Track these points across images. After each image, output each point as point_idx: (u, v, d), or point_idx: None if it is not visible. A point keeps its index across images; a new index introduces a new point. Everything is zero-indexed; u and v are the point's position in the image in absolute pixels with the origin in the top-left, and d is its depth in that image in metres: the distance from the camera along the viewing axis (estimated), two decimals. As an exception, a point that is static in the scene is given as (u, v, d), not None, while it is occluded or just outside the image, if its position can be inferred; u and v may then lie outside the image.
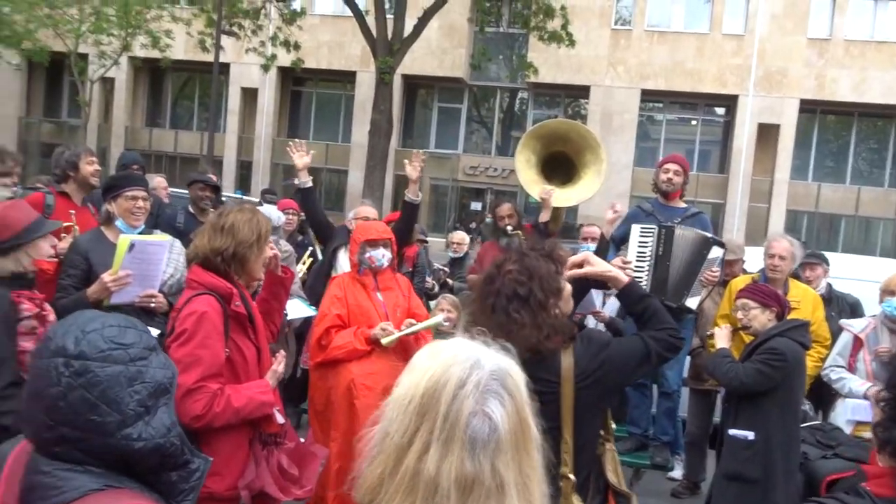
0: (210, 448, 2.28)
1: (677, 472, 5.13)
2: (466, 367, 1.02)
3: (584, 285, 2.63)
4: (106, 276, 3.10)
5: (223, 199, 7.63)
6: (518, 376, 1.05)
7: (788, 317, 4.12)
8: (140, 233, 3.52)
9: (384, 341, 3.50)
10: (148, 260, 3.23)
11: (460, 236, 7.63)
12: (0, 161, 4.68)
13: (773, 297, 3.56)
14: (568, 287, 2.21)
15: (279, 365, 2.61)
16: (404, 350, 3.63)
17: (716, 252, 4.35)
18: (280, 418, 2.58)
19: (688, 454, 5.10)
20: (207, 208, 5.40)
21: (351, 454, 3.43)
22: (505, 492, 0.98)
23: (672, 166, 4.61)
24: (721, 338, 3.68)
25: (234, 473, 2.41)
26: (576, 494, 2.09)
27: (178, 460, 1.28)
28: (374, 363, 3.52)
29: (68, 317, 1.29)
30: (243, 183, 27.21)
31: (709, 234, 4.40)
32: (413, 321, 3.61)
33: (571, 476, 2.08)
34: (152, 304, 3.25)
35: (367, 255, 3.70)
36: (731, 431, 3.44)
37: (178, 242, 3.62)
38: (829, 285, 5.19)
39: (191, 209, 5.39)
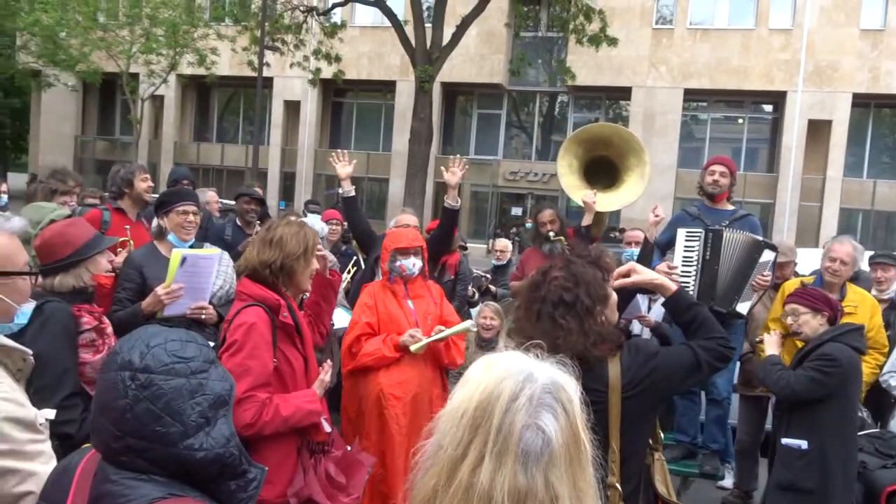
0: (260, 456, 2.33)
1: (728, 481, 5.01)
2: (519, 380, 1.02)
3: (629, 292, 2.62)
4: (159, 290, 3.21)
5: (268, 210, 7.79)
6: (572, 390, 1.05)
7: (842, 321, 4.00)
8: (190, 246, 3.65)
9: (413, 348, 3.51)
10: (199, 273, 3.34)
11: (503, 244, 7.61)
12: (62, 181, 4.92)
13: (823, 301, 3.45)
14: (614, 295, 2.21)
15: (326, 374, 2.67)
16: (434, 357, 3.64)
17: (767, 255, 4.24)
18: (327, 427, 2.62)
19: (738, 462, 4.98)
20: (253, 221, 5.53)
21: (382, 463, 3.45)
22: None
23: (718, 168, 4.51)
24: (771, 344, 3.58)
25: (284, 481, 2.46)
26: None
27: (236, 470, 1.33)
28: (404, 371, 3.55)
29: (134, 332, 1.34)
30: (287, 194, 27.73)
31: (760, 238, 4.29)
32: (442, 328, 3.60)
33: (619, 486, 2.06)
34: (203, 316, 3.34)
35: (398, 263, 3.71)
36: (785, 441, 3.34)
37: (226, 255, 3.73)
38: None
39: (238, 222, 5.53)
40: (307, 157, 27.92)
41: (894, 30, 22.83)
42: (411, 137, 16.89)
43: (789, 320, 3.49)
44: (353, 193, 4.77)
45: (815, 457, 3.22)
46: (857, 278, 5.55)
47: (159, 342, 1.29)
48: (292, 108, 28.15)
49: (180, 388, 1.25)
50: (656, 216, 4.58)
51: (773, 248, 4.36)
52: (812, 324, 3.40)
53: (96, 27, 22.66)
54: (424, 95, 16.61)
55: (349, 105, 29.62)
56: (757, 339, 3.91)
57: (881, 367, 4.20)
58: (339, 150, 5.14)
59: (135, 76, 24.78)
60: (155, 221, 3.69)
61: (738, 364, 4.68)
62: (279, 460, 2.46)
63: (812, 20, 23.15)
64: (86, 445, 1.37)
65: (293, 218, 4.36)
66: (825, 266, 4.41)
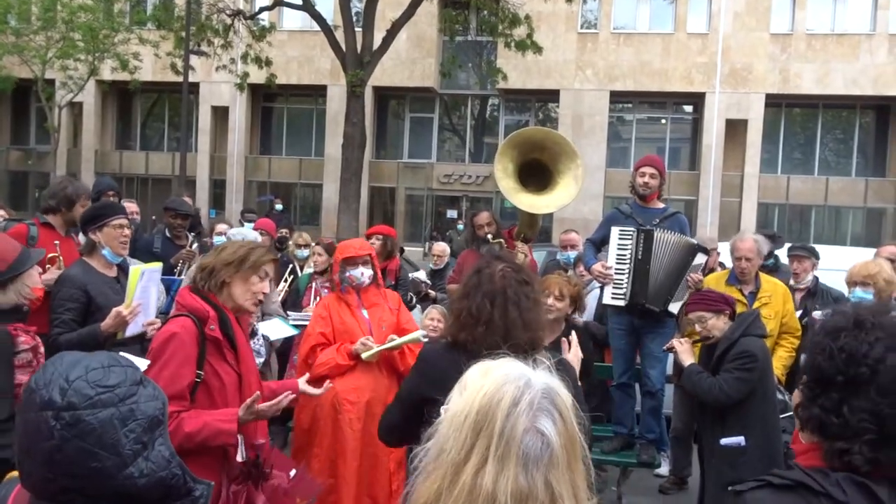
0: None
1: (664, 469, 5.21)
2: (520, 385, 1.07)
3: None
4: (122, 310, 3.11)
5: (199, 219, 7.61)
6: (566, 395, 1.10)
7: (760, 309, 4.23)
8: (122, 262, 3.57)
9: (364, 356, 3.53)
10: (148, 288, 3.30)
11: (441, 248, 7.68)
12: None
13: (720, 301, 3.62)
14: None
15: (257, 400, 2.38)
16: (389, 365, 3.66)
17: (700, 258, 4.48)
18: (242, 453, 2.40)
19: (673, 450, 5.19)
20: (182, 234, 5.44)
21: (332, 471, 3.45)
22: None
23: (648, 169, 4.66)
24: (685, 353, 3.66)
25: None
26: None
27: (181, 490, 1.28)
28: (359, 378, 3.56)
29: (47, 364, 1.26)
30: (217, 201, 27.05)
31: (694, 241, 4.49)
32: (395, 336, 3.63)
33: None
34: (150, 332, 3.24)
35: (347, 273, 3.72)
36: (724, 441, 3.43)
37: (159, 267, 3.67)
38: (816, 278, 5.30)
39: (167, 234, 5.42)
40: (237, 164, 27.30)
41: (801, 34, 24.17)
42: (344, 142, 16.79)
43: (698, 328, 3.63)
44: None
45: (752, 450, 3.38)
46: (777, 269, 5.90)
47: (79, 374, 1.21)
48: (220, 113, 27.48)
49: (110, 419, 1.19)
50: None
51: (705, 250, 4.60)
52: (719, 325, 3.56)
53: (8, 30, 21.55)
54: (356, 100, 16.54)
55: (279, 110, 29.14)
56: (664, 348, 4.00)
57: (796, 350, 4.49)
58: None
59: (51, 82, 23.68)
60: (86, 237, 3.57)
61: (670, 356, 4.88)
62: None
63: (727, 25, 24.24)
64: (12, 475, 1.31)
65: (219, 228, 4.30)
66: (735, 265, 4.68)
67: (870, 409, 1.13)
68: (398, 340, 3.59)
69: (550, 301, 4.07)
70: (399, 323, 3.78)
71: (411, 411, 2.19)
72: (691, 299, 3.75)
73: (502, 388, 1.07)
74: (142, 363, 2.38)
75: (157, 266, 3.48)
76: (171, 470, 1.25)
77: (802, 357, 4.48)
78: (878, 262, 4.62)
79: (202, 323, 2.41)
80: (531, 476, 1.02)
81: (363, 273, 3.73)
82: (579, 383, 2.43)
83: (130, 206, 6.04)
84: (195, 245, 5.41)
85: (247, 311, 2.64)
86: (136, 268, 3.21)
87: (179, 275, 4.91)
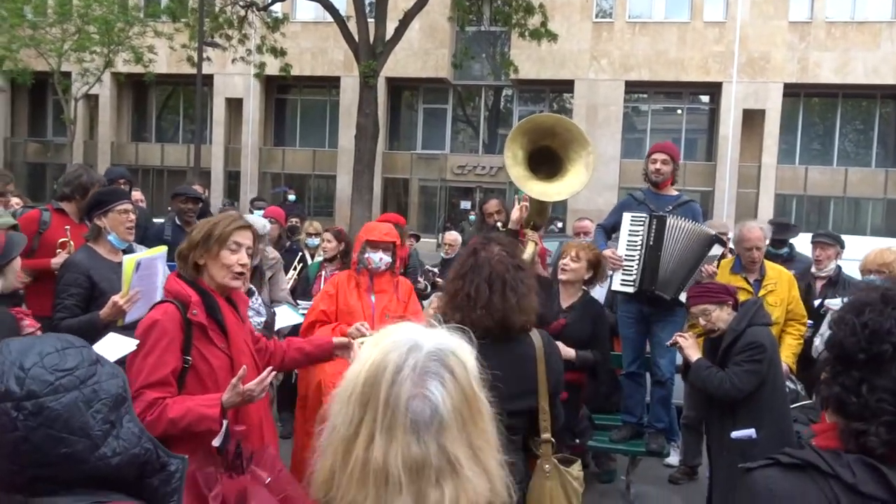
0: None
1: (673, 459, 5.17)
2: (403, 350, 1.03)
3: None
4: (118, 299, 3.11)
5: (209, 208, 7.64)
6: (463, 354, 1.06)
7: (765, 297, 4.16)
8: (128, 248, 3.58)
9: (356, 342, 3.51)
10: (150, 275, 3.29)
11: (452, 237, 7.65)
12: None
13: (722, 292, 3.56)
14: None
15: (241, 379, 2.26)
16: None
17: (716, 249, 4.42)
18: (219, 439, 2.28)
19: (685, 438, 5.14)
20: (192, 220, 5.43)
21: None
22: (456, 468, 0.99)
23: (659, 156, 4.60)
24: (691, 348, 3.61)
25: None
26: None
27: (155, 465, 1.27)
28: (346, 364, 3.53)
29: None
30: (232, 193, 27.20)
31: (713, 232, 4.43)
32: None
33: (552, 439, 2.37)
34: None
35: (367, 255, 3.73)
36: (734, 434, 3.37)
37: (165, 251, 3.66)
38: (839, 268, 5.22)
39: (177, 221, 5.42)
40: (251, 155, 27.42)
41: (821, 22, 23.79)
42: (357, 133, 16.77)
43: (702, 321, 3.57)
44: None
45: (764, 442, 3.32)
46: (792, 259, 5.82)
47: (34, 361, 1.17)
48: (234, 105, 27.60)
49: (75, 402, 1.16)
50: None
51: (722, 241, 4.54)
52: (723, 316, 3.50)
53: (25, 23, 21.72)
54: (369, 91, 16.51)
55: (293, 102, 29.21)
56: (668, 343, 3.93)
57: (804, 337, 4.44)
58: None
59: (67, 75, 23.87)
60: (91, 223, 3.57)
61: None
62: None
63: (744, 13, 23.91)
64: None
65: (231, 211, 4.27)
66: (745, 255, 4.60)
67: (891, 388, 1.09)
68: None
69: (566, 260, 4.13)
70: (405, 314, 3.76)
71: None
72: (692, 292, 3.68)
73: (387, 356, 1.03)
74: (130, 343, 2.38)
75: (159, 252, 3.44)
76: (143, 445, 1.24)
77: (816, 342, 4.42)
78: (893, 249, 4.53)
79: (185, 308, 2.37)
80: (423, 443, 0.99)
81: (381, 258, 3.74)
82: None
83: (136, 194, 6.07)
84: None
85: (231, 288, 2.54)
86: (130, 258, 3.18)
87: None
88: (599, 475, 5.17)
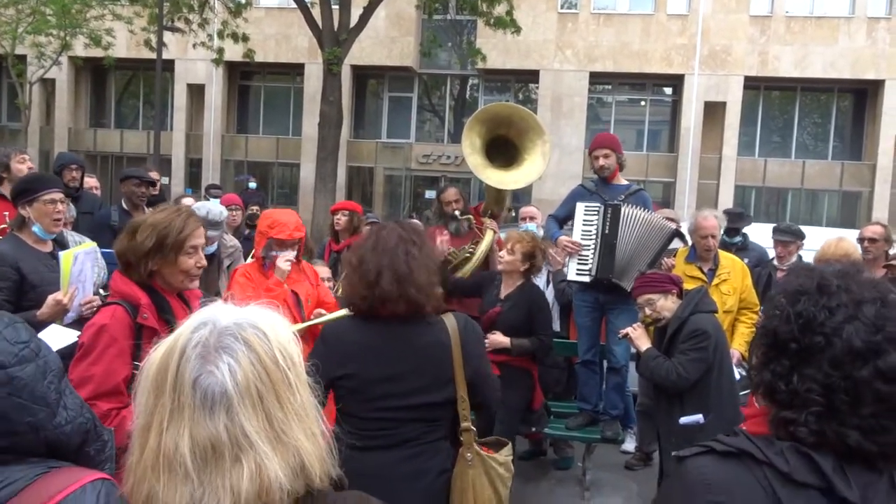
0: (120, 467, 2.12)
1: (629, 445, 5.24)
2: (190, 330, 1.00)
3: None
4: (61, 297, 2.94)
5: (164, 196, 7.47)
6: (266, 325, 1.02)
7: (720, 286, 4.22)
8: (57, 238, 3.41)
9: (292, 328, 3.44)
10: (84, 270, 3.14)
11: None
12: None
13: (666, 281, 3.61)
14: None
15: None
16: (313, 338, 3.60)
17: (677, 243, 4.49)
18: None
19: (639, 425, 5.21)
20: (142, 205, 5.28)
21: None
22: (254, 445, 0.95)
23: (599, 152, 4.62)
24: (640, 339, 3.64)
25: None
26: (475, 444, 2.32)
27: (93, 434, 1.34)
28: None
29: None
30: (193, 181, 26.70)
31: (674, 226, 4.47)
32: (323, 311, 3.54)
33: (473, 427, 2.30)
34: (95, 308, 3.08)
35: (274, 254, 3.56)
36: (682, 420, 3.42)
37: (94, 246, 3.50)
38: (800, 257, 5.33)
39: (125, 206, 5.26)
40: (213, 142, 26.93)
41: (780, 16, 24.20)
42: (321, 121, 16.58)
43: (647, 311, 3.61)
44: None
45: (710, 427, 3.36)
46: (745, 248, 5.92)
47: None
48: (196, 91, 27.05)
49: (35, 372, 1.23)
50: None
51: (682, 236, 4.60)
52: (668, 305, 3.54)
53: (-25, 5, 20.98)
54: (333, 78, 16.32)
55: (256, 88, 28.74)
56: (620, 335, 3.95)
57: (756, 325, 4.50)
58: None
59: (22, 58, 23.11)
60: (17, 212, 3.36)
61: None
62: None
63: (706, 6, 24.20)
64: None
65: (185, 202, 4.12)
66: (700, 243, 4.67)
67: (820, 380, 1.08)
68: (327, 316, 3.47)
69: (502, 253, 4.16)
70: (319, 296, 3.69)
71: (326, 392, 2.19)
72: (636, 283, 3.71)
73: (177, 338, 1.00)
74: (72, 335, 2.30)
75: (91, 247, 3.30)
76: (84, 414, 1.32)
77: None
78: (849, 239, 4.63)
79: (134, 310, 2.23)
80: (214, 423, 0.94)
81: (287, 262, 3.52)
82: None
83: (90, 180, 5.89)
84: (152, 219, 5.28)
85: (187, 288, 2.42)
86: (67, 253, 3.03)
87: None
88: (556, 462, 5.22)
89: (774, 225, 5.79)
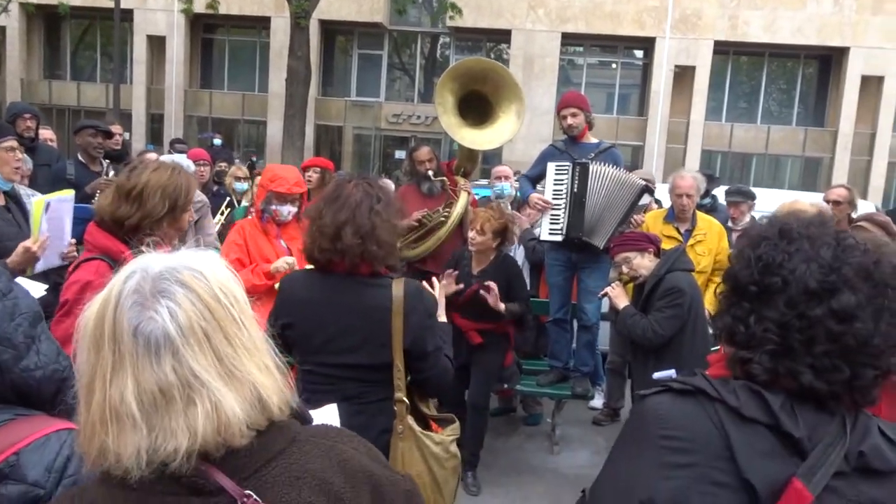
0: None
1: (598, 402, 5.34)
2: (122, 279, 0.98)
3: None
4: (30, 244, 2.86)
5: (129, 150, 7.25)
6: (202, 265, 1.00)
7: (695, 246, 4.27)
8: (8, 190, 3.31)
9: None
10: (58, 218, 3.05)
11: (384, 185, 7.51)
12: None
13: (643, 240, 3.65)
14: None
15: None
16: None
17: (646, 199, 4.50)
18: None
19: (609, 382, 5.31)
20: (99, 157, 5.12)
21: None
22: (205, 384, 0.94)
23: (567, 111, 4.59)
24: (619, 297, 3.69)
25: None
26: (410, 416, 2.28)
27: (71, 383, 1.23)
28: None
29: None
30: (155, 137, 25.99)
31: (642, 181, 4.48)
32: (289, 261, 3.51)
33: (405, 399, 2.25)
34: (74, 255, 3.01)
35: (273, 207, 3.59)
36: (657, 375, 3.48)
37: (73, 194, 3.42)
38: (753, 218, 5.41)
39: (81, 159, 5.09)
40: (176, 97, 26.16)
41: (752, -20, 24.23)
42: (288, 77, 16.18)
43: (624, 269, 3.66)
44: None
45: None
46: (714, 209, 5.99)
47: None
48: (157, 44, 26.13)
49: (1, 311, 1.18)
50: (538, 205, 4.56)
51: (651, 190, 4.61)
52: (644, 263, 3.59)
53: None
54: (301, 33, 15.89)
55: (220, 42, 27.89)
56: (600, 294, 4.02)
57: None
58: None
59: (-31, 4, 22.03)
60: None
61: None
62: None
63: (679, -32, 24.09)
64: None
65: (166, 159, 4.00)
66: (675, 203, 4.72)
67: (776, 319, 1.10)
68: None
69: (472, 234, 4.09)
70: None
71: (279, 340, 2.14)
72: (614, 242, 3.76)
73: (110, 291, 0.97)
74: (39, 288, 2.22)
75: (69, 195, 3.20)
76: (61, 362, 1.27)
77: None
78: (804, 201, 4.69)
79: (119, 266, 2.16)
80: (161, 367, 0.93)
81: (290, 212, 3.62)
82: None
83: (45, 132, 5.67)
84: (112, 173, 5.13)
85: (171, 246, 2.42)
86: (39, 199, 2.95)
87: (99, 205, 4.66)
88: (526, 418, 5.30)
89: (726, 188, 5.89)
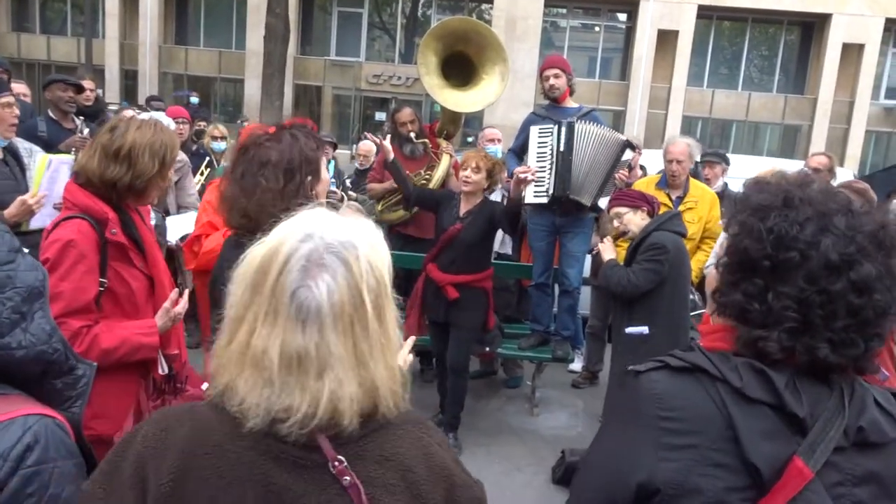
0: (93, 389, 2.09)
1: (577, 365, 5.41)
2: (296, 240, 1.01)
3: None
4: (28, 198, 2.92)
5: (104, 108, 7.07)
6: (368, 251, 1.03)
7: (685, 214, 4.30)
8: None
9: None
10: (54, 179, 3.08)
11: (367, 147, 7.43)
12: None
13: (640, 198, 3.68)
14: (327, 176, 2.17)
15: (180, 306, 2.26)
16: None
17: (628, 154, 4.49)
18: (163, 367, 2.28)
19: (589, 346, 5.37)
20: (70, 112, 4.99)
21: None
22: (336, 366, 0.98)
23: (550, 72, 4.55)
24: (607, 250, 3.76)
25: (123, 416, 2.19)
26: None
27: (62, 367, 1.22)
28: None
29: None
30: (129, 94, 25.36)
31: (623, 137, 4.47)
32: None
33: None
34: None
35: None
36: (628, 330, 3.56)
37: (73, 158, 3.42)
38: (725, 184, 5.45)
39: (52, 115, 4.95)
40: (150, 53, 25.48)
41: (738, -56, 23.99)
42: (266, 34, 15.82)
43: (615, 223, 3.69)
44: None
45: (655, 340, 3.50)
46: (696, 175, 6.01)
47: None
48: (130, -3, 25.37)
49: None
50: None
51: (633, 146, 4.60)
52: (635, 220, 3.62)
53: None
54: (279, -12, 15.52)
55: (196, -3, 27.14)
56: (593, 252, 4.08)
57: None
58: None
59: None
60: None
61: (588, 257, 4.96)
62: (116, 394, 2.13)
63: (665, -71, 23.76)
64: None
65: (143, 115, 3.96)
66: (667, 168, 4.73)
67: (796, 295, 1.05)
68: None
69: (468, 173, 4.05)
70: None
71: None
72: (613, 196, 3.79)
73: (284, 241, 1.01)
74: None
75: (68, 158, 3.25)
76: (52, 344, 1.20)
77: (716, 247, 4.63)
78: (783, 171, 4.73)
79: (101, 225, 2.13)
80: (306, 338, 0.97)
81: None
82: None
83: (18, 87, 5.50)
84: (86, 131, 5.00)
85: (151, 203, 2.39)
86: (44, 156, 3.04)
87: (76, 164, 4.59)
88: (506, 381, 5.36)
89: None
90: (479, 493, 1.15)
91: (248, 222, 1.94)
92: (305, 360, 0.97)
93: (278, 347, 0.97)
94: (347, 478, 1.00)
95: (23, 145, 3.63)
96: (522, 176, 4.01)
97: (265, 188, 1.96)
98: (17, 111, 3.28)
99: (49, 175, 3.01)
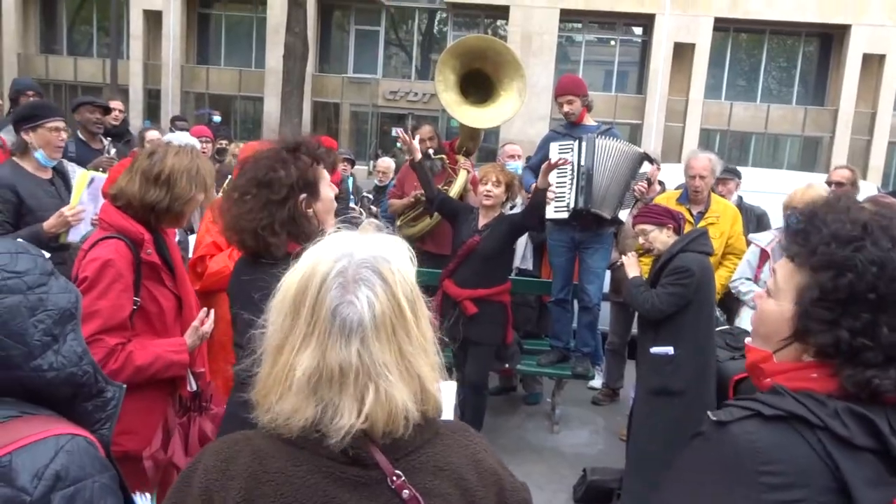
0: (123, 406, 2.11)
1: (597, 382, 5.37)
2: (333, 258, 1.05)
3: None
4: (66, 211, 3.09)
5: (128, 128, 7.20)
6: (398, 261, 1.07)
7: (707, 227, 4.28)
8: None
9: None
10: (95, 197, 3.23)
11: (386, 164, 7.50)
12: None
13: (665, 215, 3.63)
14: (330, 194, 2.09)
15: (207, 325, 2.34)
16: None
17: (646, 167, 4.49)
18: (192, 384, 2.34)
19: (609, 362, 5.34)
20: (98, 133, 5.12)
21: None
22: (382, 374, 1.01)
23: (563, 99, 4.58)
24: (631, 266, 3.72)
25: (152, 433, 2.26)
26: None
27: (92, 389, 1.23)
28: None
29: None
30: (152, 112, 25.82)
31: (640, 149, 4.48)
32: None
33: None
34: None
35: None
36: (653, 350, 3.50)
37: None
38: (740, 198, 5.40)
39: (81, 136, 5.07)
40: (173, 73, 25.93)
41: (754, -44, 23.95)
42: (285, 53, 16.06)
43: (640, 240, 3.66)
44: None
45: (681, 361, 3.45)
46: (712, 190, 5.98)
47: None
48: (153, 18, 25.85)
49: (17, 305, 1.12)
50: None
51: (651, 159, 4.60)
52: (661, 238, 3.58)
53: None
54: (298, 8, 15.74)
55: (217, 17, 27.59)
56: (618, 263, 4.07)
57: None
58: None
59: (-39, -23, 21.77)
60: (17, 136, 3.43)
61: (608, 272, 4.95)
62: (145, 411, 2.21)
63: (680, -57, 23.80)
64: None
65: (150, 135, 4.06)
66: (689, 183, 4.69)
67: None
68: None
69: (489, 187, 4.07)
70: None
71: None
72: (638, 213, 3.76)
73: (318, 263, 1.05)
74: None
75: (103, 176, 3.40)
76: (83, 367, 1.20)
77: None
78: (816, 186, 4.67)
79: (136, 245, 2.21)
80: (348, 349, 1.01)
81: None
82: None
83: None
84: (113, 150, 5.11)
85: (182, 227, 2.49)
86: (84, 172, 3.18)
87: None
88: (526, 397, 5.34)
89: None
90: (527, 494, 1.17)
91: (237, 237, 2.01)
92: (347, 371, 1.00)
93: (323, 363, 1.00)
94: (407, 491, 1.02)
95: (72, 167, 3.82)
96: (554, 161, 4.04)
97: (249, 204, 1.98)
98: (64, 136, 3.43)
99: (89, 191, 3.15)
